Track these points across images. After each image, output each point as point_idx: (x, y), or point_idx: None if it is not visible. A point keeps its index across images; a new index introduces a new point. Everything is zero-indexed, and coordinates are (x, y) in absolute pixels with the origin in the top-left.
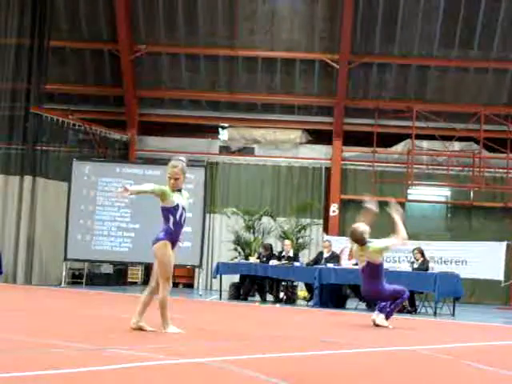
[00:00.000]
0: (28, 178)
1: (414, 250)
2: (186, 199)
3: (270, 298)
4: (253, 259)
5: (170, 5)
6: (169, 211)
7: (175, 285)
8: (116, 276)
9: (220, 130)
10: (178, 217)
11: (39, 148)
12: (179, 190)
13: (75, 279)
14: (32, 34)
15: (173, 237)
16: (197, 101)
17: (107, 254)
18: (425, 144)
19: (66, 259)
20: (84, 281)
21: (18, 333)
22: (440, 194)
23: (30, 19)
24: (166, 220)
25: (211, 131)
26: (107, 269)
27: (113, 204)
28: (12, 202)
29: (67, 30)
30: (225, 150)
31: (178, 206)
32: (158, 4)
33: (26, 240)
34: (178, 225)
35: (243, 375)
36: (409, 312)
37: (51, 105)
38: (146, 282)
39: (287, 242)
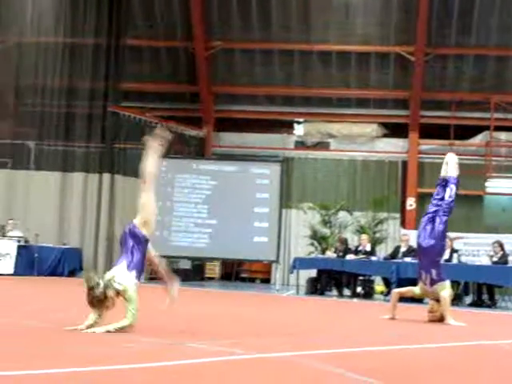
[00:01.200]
0: (107, 176)
1: (493, 244)
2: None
3: (347, 292)
4: (329, 254)
5: (244, 0)
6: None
7: (252, 280)
8: (194, 272)
9: (295, 124)
10: None
11: (117, 146)
12: None
13: (154, 275)
14: (109, 33)
15: None
16: (272, 96)
17: (185, 249)
18: (503, 135)
19: None
20: None
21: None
22: None
23: (106, 19)
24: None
25: (286, 126)
26: (185, 264)
27: (190, 200)
28: (91, 199)
29: (143, 28)
30: (300, 144)
31: None
32: (232, 0)
33: (105, 237)
34: None
35: (323, 370)
36: (488, 306)
37: (128, 103)
38: (223, 277)
39: (364, 236)
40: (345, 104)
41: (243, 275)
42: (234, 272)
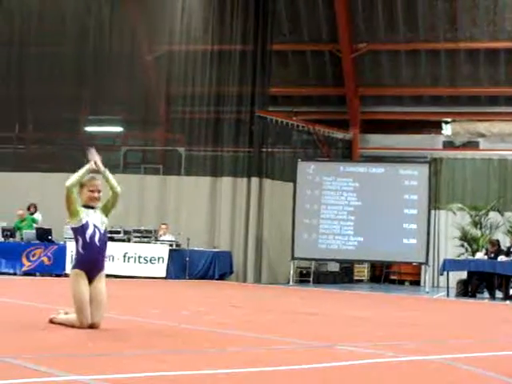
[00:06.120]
0: (255, 180)
1: None
2: (99, 218)
3: (499, 294)
4: (480, 255)
5: (389, 1)
6: (76, 232)
7: (401, 282)
8: (343, 274)
9: (443, 124)
10: (88, 237)
11: (265, 150)
12: (92, 208)
13: (303, 277)
14: (255, 39)
15: (84, 263)
16: (418, 96)
17: (333, 252)
18: None
19: (293, 258)
20: (311, 279)
21: (246, 330)
22: None
23: (253, 25)
24: (76, 243)
25: (434, 126)
26: (334, 267)
27: (337, 203)
28: (240, 203)
29: (288, 33)
30: (449, 145)
31: (87, 224)
32: (377, 1)
33: (254, 240)
34: (91, 247)
35: (476, 373)
36: None
37: (275, 107)
38: (372, 279)
39: None
40: (494, 102)
41: (392, 277)
42: (383, 274)
